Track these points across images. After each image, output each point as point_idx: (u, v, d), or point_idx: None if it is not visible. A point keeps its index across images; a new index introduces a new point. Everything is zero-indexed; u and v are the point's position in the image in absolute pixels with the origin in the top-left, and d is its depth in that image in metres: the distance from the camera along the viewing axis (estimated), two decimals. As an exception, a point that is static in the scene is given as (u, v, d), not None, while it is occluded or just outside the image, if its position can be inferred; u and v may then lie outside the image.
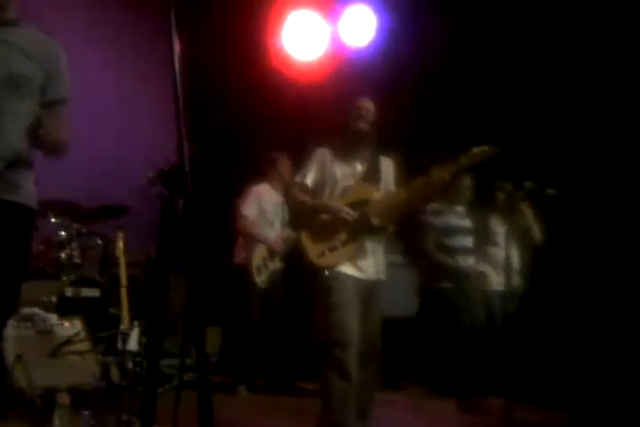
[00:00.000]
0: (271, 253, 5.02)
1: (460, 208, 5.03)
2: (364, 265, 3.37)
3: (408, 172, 3.63)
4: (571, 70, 5.33)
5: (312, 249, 3.34)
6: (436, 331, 4.74)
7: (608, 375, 4.65)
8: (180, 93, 1.89)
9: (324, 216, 3.37)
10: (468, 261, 4.90)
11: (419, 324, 4.71)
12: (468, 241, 4.94)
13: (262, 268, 4.99)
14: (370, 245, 3.40)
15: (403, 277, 5.12)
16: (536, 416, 4.14)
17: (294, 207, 3.62)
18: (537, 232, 5.07)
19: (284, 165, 5.13)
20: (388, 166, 3.58)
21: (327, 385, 3.21)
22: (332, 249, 3.33)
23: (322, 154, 3.47)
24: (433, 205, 4.80)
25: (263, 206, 5.06)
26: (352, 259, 3.34)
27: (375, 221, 3.36)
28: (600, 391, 4.49)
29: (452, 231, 4.87)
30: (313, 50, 6.16)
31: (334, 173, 3.44)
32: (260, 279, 4.95)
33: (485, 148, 3.39)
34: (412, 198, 3.42)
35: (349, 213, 3.32)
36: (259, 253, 4.98)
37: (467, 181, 4.95)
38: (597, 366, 4.74)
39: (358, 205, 3.39)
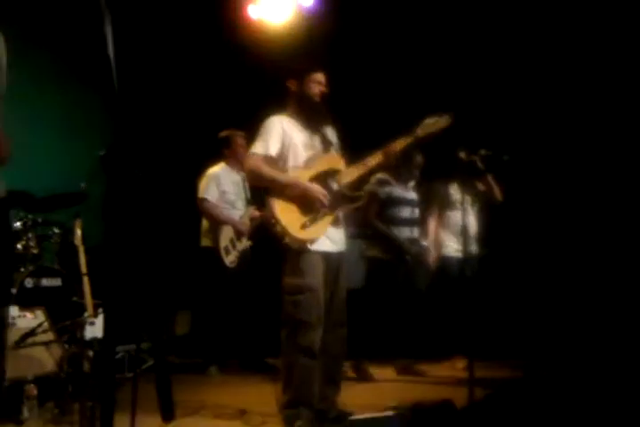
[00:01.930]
0: (238, 234, 5.00)
1: (410, 183, 5.04)
2: (336, 236, 3.40)
3: (364, 143, 3.65)
4: (521, 39, 5.38)
5: (291, 223, 3.25)
6: (382, 300, 4.79)
7: (560, 332, 4.83)
8: (115, 76, 1.86)
9: (298, 194, 3.28)
10: (412, 233, 4.95)
11: (366, 295, 4.75)
12: (413, 212, 4.97)
13: (230, 248, 4.97)
14: (340, 215, 3.42)
15: (349, 248, 5.17)
16: (494, 372, 4.26)
17: (263, 183, 3.44)
18: (497, 193, 5.12)
19: (239, 143, 5.07)
20: (333, 135, 3.58)
21: (291, 363, 3.25)
22: (312, 221, 3.28)
23: (279, 122, 3.41)
24: (379, 175, 4.81)
25: (222, 188, 5.02)
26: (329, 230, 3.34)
27: (349, 192, 3.38)
28: (552, 348, 4.67)
29: (397, 202, 4.89)
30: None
31: (295, 143, 3.39)
32: (229, 260, 4.94)
33: (439, 117, 3.42)
34: (376, 168, 3.47)
35: (326, 196, 3.30)
36: (225, 235, 4.95)
37: (419, 159, 4.96)
38: (550, 323, 4.92)
39: (328, 175, 3.38)
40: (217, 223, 4.98)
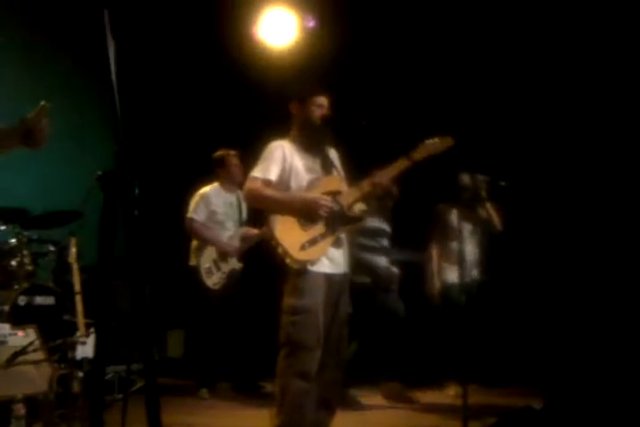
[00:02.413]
0: (223, 255, 4.97)
1: (385, 211, 5.00)
2: (337, 257, 3.35)
3: (367, 164, 3.66)
4: (523, 65, 5.43)
5: (290, 244, 3.20)
6: (368, 326, 4.77)
7: (565, 360, 4.78)
8: (117, 98, 1.87)
9: (299, 208, 3.25)
10: (383, 261, 4.93)
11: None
12: (387, 243, 4.98)
13: (214, 270, 4.93)
14: (342, 236, 3.39)
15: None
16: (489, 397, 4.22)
17: (262, 204, 3.40)
18: (497, 222, 5.13)
19: (233, 163, 5.08)
20: (335, 157, 3.57)
21: (286, 385, 3.19)
22: (312, 242, 3.23)
23: (281, 147, 3.40)
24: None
25: (212, 209, 5.01)
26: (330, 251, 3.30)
27: (350, 212, 3.36)
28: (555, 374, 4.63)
29: (372, 233, 4.86)
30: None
31: (297, 166, 3.38)
32: (212, 281, 4.90)
33: (439, 139, 3.43)
34: (375, 191, 3.43)
35: (328, 200, 3.27)
36: (208, 256, 4.94)
37: (394, 191, 4.96)
38: (554, 351, 4.88)
39: (329, 196, 3.34)
40: (202, 244, 4.97)
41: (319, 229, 3.29)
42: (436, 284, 5.11)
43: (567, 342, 4.96)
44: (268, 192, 3.32)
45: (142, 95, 5.76)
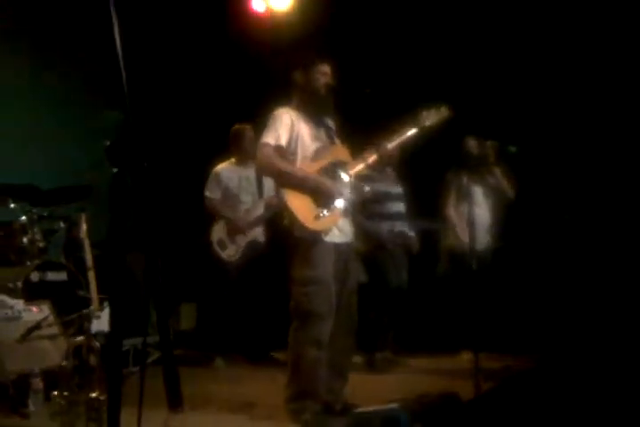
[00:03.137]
0: (233, 229, 5.00)
1: (391, 173, 5.00)
2: (344, 226, 3.38)
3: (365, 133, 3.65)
4: (530, 29, 5.34)
5: (305, 214, 3.23)
6: (369, 294, 4.79)
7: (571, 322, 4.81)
8: (122, 64, 1.85)
9: (311, 189, 3.26)
10: (394, 226, 4.91)
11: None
12: (399, 206, 4.96)
13: (227, 243, 4.98)
14: (349, 205, 3.41)
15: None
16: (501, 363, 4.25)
17: (274, 175, 3.41)
18: (508, 189, 5.10)
19: (248, 137, 5.07)
20: (334, 126, 3.57)
21: (300, 355, 3.24)
22: (326, 211, 3.26)
23: (287, 114, 3.40)
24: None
25: (225, 185, 5.08)
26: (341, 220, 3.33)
27: (357, 183, 3.39)
28: (563, 341, 4.65)
29: (382, 198, 4.84)
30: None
31: (302, 135, 3.38)
32: (227, 254, 4.95)
33: (436, 109, 3.42)
34: (381, 161, 3.52)
35: (339, 190, 3.29)
36: (218, 230, 5.01)
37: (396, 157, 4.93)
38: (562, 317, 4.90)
39: (337, 166, 3.37)
40: (215, 219, 5.03)
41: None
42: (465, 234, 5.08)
43: (576, 311, 4.98)
44: (282, 164, 3.32)
45: (150, 72, 5.71)
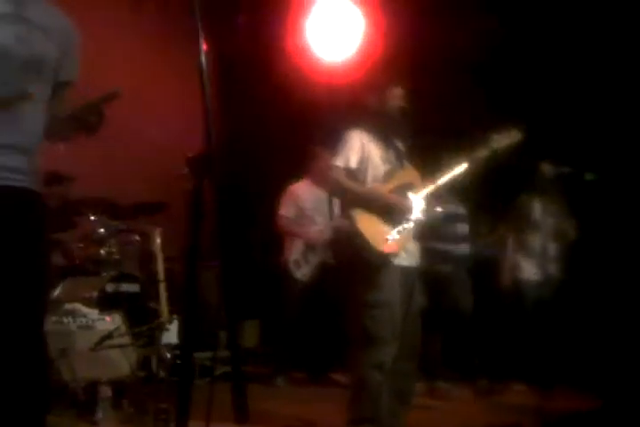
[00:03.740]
0: (309, 246, 5.05)
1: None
2: (412, 249, 3.38)
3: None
4: (611, 52, 5.23)
5: (375, 236, 3.23)
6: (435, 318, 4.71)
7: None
8: (207, 87, 1.91)
9: (379, 206, 3.28)
10: (465, 249, 4.87)
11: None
12: (465, 228, 4.90)
13: (302, 262, 5.03)
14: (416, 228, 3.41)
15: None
16: (568, 401, 4.09)
17: (344, 196, 3.46)
18: (571, 227, 4.96)
19: (324, 160, 5.13)
20: (403, 148, 3.58)
21: (362, 378, 3.23)
22: (396, 234, 3.26)
23: (359, 136, 3.43)
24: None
25: (301, 205, 5.14)
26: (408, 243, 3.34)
27: (427, 204, 3.39)
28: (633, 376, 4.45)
29: (452, 219, 4.79)
30: (343, 49, 5.75)
31: (373, 156, 3.40)
32: (301, 273, 5.01)
33: (506, 133, 3.39)
34: (446, 186, 3.49)
35: (408, 208, 3.30)
36: (296, 248, 5.06)
37: None
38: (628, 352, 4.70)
39: (406, 188, 3.38)
40: (290, 238, 5.07)
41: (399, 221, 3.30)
42: (508, 277, 4.99)
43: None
44: (352, 185, 3.35)
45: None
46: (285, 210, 5.13)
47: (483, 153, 3.41)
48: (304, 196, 5.16)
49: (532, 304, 4.80)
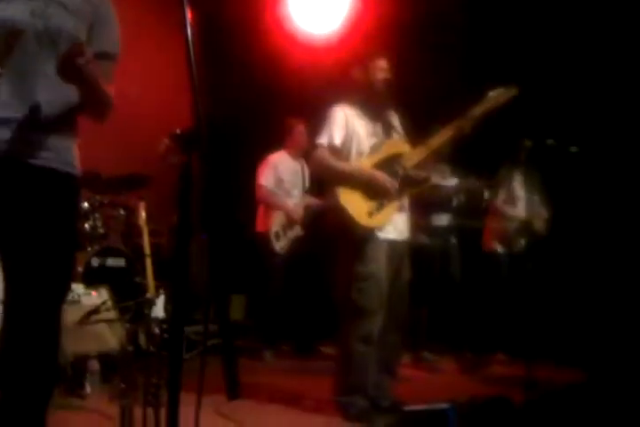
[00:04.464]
0: (290, 221, 5.03)
1: (445, 167, 4.92)
2: (400, 223, 3.38)
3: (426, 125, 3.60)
4: (596, 30, 5.20)
5: (357, 211, 3.24)
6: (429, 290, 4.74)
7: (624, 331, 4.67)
8: (192, 58, 1.87)
9: (365, 182, 3.27)
10: (450, 220, 4.88)
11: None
12: (452, 200, 4.90)
13: (281, 235, 5.01)
14: (406, 201, 3.41)
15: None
16: (552, 374, 4.13)
17: (328, 175, 3.42)
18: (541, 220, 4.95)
19: (299, 131, 5.10)
20: (396, 120, 3.55)
21: (349, 350, 3.26)
22: (379, 207, 3.27)
23: (343, 112, 3.41)
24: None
25: (280, 176, 5.08)
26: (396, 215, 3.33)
27: (415, 175, 3.37)
28: (617, 348, 4.52)
29: (437, 190, 4.74)
30: (328, 22, 5.79)
31: (358, 132, 3.39)
32: (279, 246, 4.98)
33: (501, 89, 3.35)
34: (442, 148, 3.43)
35: (393, 184, 3.28)
36: (277, 221, 5.02)
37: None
38: (612, 323, 4.77)
39: (392, 160, 3.36)
40: (271, 209, 5.05)
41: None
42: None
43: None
44: (336, 164, 3.35)
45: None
46: (265, 180, 5.06)
47: (478, 111, 3.33)
48: (282, 167, 5.11)
49: (511, 276, 4.86)
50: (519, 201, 4.99)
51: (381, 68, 3.44)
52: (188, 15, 1.88)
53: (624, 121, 5.14)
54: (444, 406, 2.90)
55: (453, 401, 2.98)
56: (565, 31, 5.28)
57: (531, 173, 4.94)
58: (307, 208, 5.06)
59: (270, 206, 5.06)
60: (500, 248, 4.99)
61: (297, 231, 5.06)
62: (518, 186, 5.04)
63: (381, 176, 3.28)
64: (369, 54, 3.51)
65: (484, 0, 5.60)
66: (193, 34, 1.91)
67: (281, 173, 5.09)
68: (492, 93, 3.34)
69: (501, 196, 5.08)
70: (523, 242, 4.97)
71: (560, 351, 4.66)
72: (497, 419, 2.92)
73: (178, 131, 1.76)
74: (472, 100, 3.36)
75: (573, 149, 4.19)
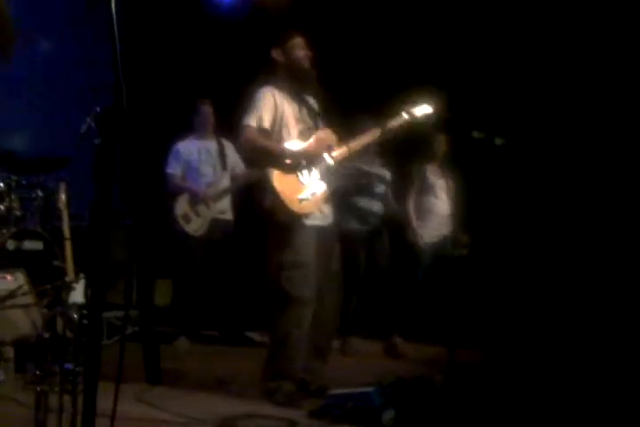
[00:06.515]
0: (200, 200, 4.89)
1: (378, 160, 4.97)
2: (325, 209, 3.39)
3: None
4: (519, 20, 5.32)
5: (289, 197, 3.21)
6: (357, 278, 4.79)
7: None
8: (116, 37, 1.80)
9: (298, 158, 3.26)
10: (379, 207, 4.90)
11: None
12: (381, 188, 4.92)
13: (192, 216, 4.89)
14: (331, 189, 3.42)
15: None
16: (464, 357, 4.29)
17: (259, 154, 3.37)
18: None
19: (206, 111, 5.04)
20: (315, 105, 3.55)
21: (282, 337, 3.25)
22: (310, 195, 3.26)
23: (271, 94, 3.37)
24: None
25: (185, 159, 5.00)
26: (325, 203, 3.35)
27: (340, 168, 3.41)
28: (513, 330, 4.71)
29: (367, 177, 4.83)
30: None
31: (287, 115, 3.36)
32: (192, 228, 4.87)
33: (418, 107, 3.45)
34: (361, 151, 3.52)
35: (328, 154, 3.29)
36: (181, 203, 4.90)
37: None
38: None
39: (321, 149, 3.36)
40: (176, 194, 4.95)
41: (315, 182, 3.30)
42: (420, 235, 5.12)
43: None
44: (266, 143, 3.31)
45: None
46: (170, 168, 4.99)
47: (395, 123, 3.45)
48: (188, 150, 5.03)
49: (428, 265, 4.97)
50: (434, 189, 5.10)
51: (299, 45, 3.42)
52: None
53: (550, 112, 5.29)
54: (369, 389, 2.95)
55: (380, 382, 3.04)
56: (488, 22, 5.39)
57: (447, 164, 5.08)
58: (233, 179, 4.99)
59: (178, 191, 4.95)
60: (421, 239, 5.07)
61: (216, 211, 4.94)
62: (432, 176, 5.15)
63: (311, 145, 3.30)
64: (284, 34, 3.48)
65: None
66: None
67: (185, 155, 5.01)
68: (406, 111, 3.43)
69: (416, 186, 5.17)
70: (445, 232, 5.08)
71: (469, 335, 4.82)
72: (421, 397, 3.00)
73: (97, 109, 1.69)
74: (389, 110, 3.44)
75: (499, 141, 4.30)
